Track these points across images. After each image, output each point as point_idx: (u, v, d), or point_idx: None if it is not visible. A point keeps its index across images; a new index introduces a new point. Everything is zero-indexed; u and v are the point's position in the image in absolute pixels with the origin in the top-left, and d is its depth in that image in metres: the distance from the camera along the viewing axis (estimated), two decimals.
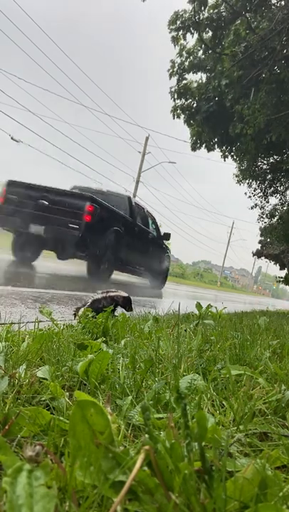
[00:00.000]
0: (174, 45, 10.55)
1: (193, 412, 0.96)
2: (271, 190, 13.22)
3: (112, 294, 2.87)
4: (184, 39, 10.48)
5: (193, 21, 9.50)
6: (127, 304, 2.86)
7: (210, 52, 10.11)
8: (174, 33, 10.33)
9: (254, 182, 13.17)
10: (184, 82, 10.97)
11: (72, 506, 0.59)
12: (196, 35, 10.10)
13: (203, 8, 9.55)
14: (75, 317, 2.93)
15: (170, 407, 1.06)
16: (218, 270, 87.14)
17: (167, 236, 13.09)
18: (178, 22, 10.03)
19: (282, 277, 16.04)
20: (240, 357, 1.85)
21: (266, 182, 13.02)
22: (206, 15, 9.71)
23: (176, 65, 10.97)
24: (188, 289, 26.71)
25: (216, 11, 9.66)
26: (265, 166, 12.64)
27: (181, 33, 10.24)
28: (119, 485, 0.59)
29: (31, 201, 7.62)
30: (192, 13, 9.42)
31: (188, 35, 10.22)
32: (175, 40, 10.44)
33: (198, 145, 11.52)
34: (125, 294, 2.89)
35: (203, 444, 0.62)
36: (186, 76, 11.03)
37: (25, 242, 8.35)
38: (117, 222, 8.75)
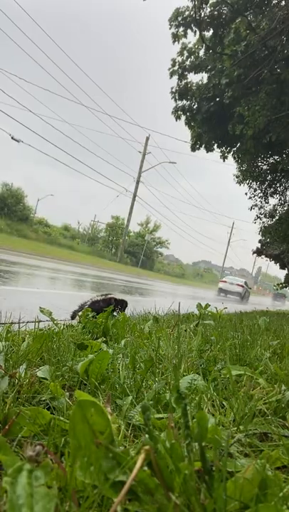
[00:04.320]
0: (174, 42, 10.48)
1: (193, 413, 0.96)
2: (271, 190, 13.21)
3: (110, 296, 3.13)
4: (185, 36, 10.44)
5: (194, 18, 9.47)
6: (120, 304, 3.14)
7: (210, 52, 10.10)
8: (174, 30, 10.28)
9: (254, 183, 13.16)
10: (185, 81, 10.96)
11: (73, 506, 0.59)
12: (196, 33, 10.05)
13: (204, 4, 9.51)
14: (73, 318, 2.96)
15: (170, 408, 1.05)
16: (218, 270, 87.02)
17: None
18: (179, 18, 9.99)
19: (282, 283, 16.09)
20: (241, 357, 1.85)
21: (266, 182, 13.01)
22: (207, 12, 9.67)
23: (177, 64, 10.95)
24: (189, 289, 26.70)
25: (217, 7, 9.63)
26: (265, 167, 12.63)
27: (181, 29, 10.21)
28: (120, 485, 0.59)
29: None
30: (193, 9, 9.38)
31: (189, 32, 10.19)
32: (175, 36, 10.40)
33: (198, 146, 11.54)
34: (120, 298, 3.17)
35: (204, 444, 0.62)
36: (187, 76, 11.02)
37: None
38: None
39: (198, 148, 11.64)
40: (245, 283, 32.86)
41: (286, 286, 15.96)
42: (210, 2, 9.61)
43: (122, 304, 3.10)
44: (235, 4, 9.15)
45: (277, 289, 16.68)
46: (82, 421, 0.65)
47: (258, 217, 13.86)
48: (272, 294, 62.60)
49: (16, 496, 0.51)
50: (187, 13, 9.87)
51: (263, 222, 13.88)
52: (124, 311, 3.13)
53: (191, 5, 9.58)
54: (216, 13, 9.58)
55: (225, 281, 31.78)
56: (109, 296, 3.12)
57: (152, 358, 1.47)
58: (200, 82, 10.94)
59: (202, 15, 9.58)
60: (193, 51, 10.81)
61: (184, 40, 10.61)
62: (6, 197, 36.52)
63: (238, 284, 30.88)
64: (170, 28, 10.27)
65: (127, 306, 3.21)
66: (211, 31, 9.91)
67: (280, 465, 0.84)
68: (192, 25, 9.91)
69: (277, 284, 16.38)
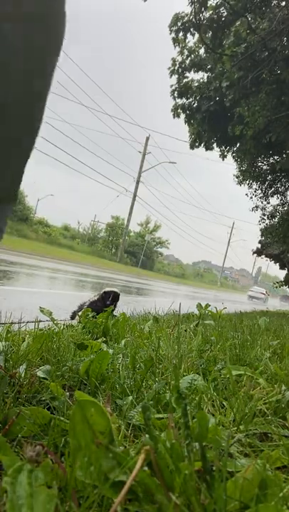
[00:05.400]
0: (175, 47, 10.54)
1: (193, 413, 0.96)
2: (271, 190, 13.21)
3: (106, 290, 3.17)
4: (185, 40, 10.47)
5: (194, 23, 9.48)
6: (109, 296, 3.16)
7: (210, 52, 10.10)
8: (174, 35, 10.31)
9: (254, 183, 13.17)
10: (185, 80, 10.96)
11: (73, 506, 0.59)
12: (196, 36, 10.07)
13: (203, 9, 9.53)
14: (72, 318, 2.97)
15: (170, 408, 1.05)
16: (218, 270, 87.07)
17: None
18: (178, 24, 10.01)
19: (281, 281, 16.10)
20: (241, 357, 1.85)
21: (266, 183, 13.02)
22: (207, 16, 9.69)
23: (177, 63, 10.95)
24: (189, 289, 26.72)
25: (216, 11, 9.64)
26: (265, 167, 12.64)
27: (181, 34, 10.23)
28: (120, 485, 0.59)
29: None
30: (192, 14, 9.40)
31: (189, 36, 10.23)
32: (176, 41, 10.43)
33: (197, 143, 11.55)
34: (109, 289, 3.21)
35: (204, 444, 0.62)
36: (187, 75, 11.03)
37: None
38: None
39: (198, 146, 11.64)
40: (266, 291, 47.71)
41: (284, 285, 15.98)
42: (209, 5, 9.61)
43: (110, 295, 3.08)
44: (235, 6, 9.14)
45: (276, 287, 16.75)
46: (83, 421, 0.65)
47: (262, 219, 13.87)
48: (280, 296, 66.93)
49: (16, 496, 0.51)
50: (186, 18, 9.89)
51: (267, 224, 13.90)
52: (116, 301, 3.11)
53: (190, 9, 9.58)
54: (215, 16, 9.58)
55: (252, 291, 46.36)
56: (102, 291, 3.14)
57: (152, 358, 1.47)
58: (201, 80, 10.95)
59: (201, 18, 9.58)
60: (193, 50, 10.82)
61: (184, 43, 10.65)
62: None
63: (261, 292, 45.42)
64: (170, 34, 10.30)
65: (118, 295, 3.16)
66: (210, 33, 9.91)
67: (280, 465, 0.84)
68: (192, 29, 9.92)
69: (277, 282, 16.42)
